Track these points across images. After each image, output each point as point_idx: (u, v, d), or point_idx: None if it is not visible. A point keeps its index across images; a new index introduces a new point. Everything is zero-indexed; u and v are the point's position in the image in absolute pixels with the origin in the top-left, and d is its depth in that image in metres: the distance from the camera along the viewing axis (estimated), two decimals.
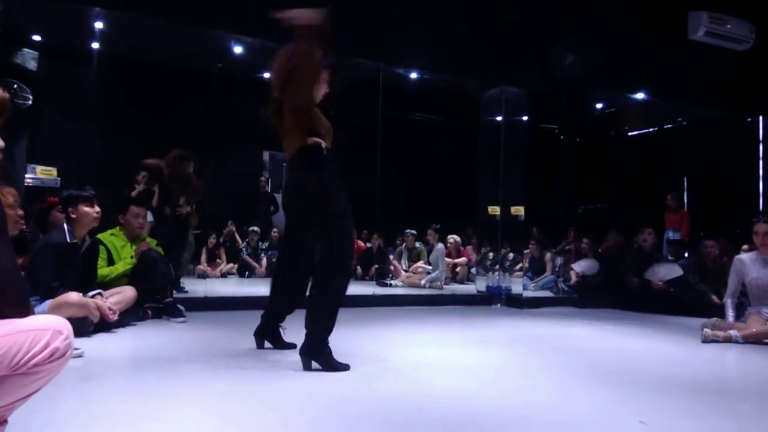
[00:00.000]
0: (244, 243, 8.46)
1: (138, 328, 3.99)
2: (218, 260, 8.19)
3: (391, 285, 7.62)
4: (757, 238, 4.29)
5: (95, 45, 8.13)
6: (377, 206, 8.94)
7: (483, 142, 7.38)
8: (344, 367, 2.83)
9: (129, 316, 4.01)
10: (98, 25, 7.27)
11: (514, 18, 6.63)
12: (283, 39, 6.48)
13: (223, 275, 8.17)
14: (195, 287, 6.05)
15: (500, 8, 6.65)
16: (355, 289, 7.01)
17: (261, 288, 6.76)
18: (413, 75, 8.43)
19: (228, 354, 3.23)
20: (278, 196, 10.05)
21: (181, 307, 4.42)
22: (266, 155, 11.20)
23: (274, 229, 8.98)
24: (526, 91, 7.20)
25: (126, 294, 4.00)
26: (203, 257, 8.10)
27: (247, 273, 8.24)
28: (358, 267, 8.62)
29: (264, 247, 8.70)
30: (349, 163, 10.47)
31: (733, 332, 4.07)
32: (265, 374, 2.76)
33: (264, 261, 8.46)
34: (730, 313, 4.30)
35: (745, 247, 5.76)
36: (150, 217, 6.12)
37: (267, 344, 3.37)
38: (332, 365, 2.81)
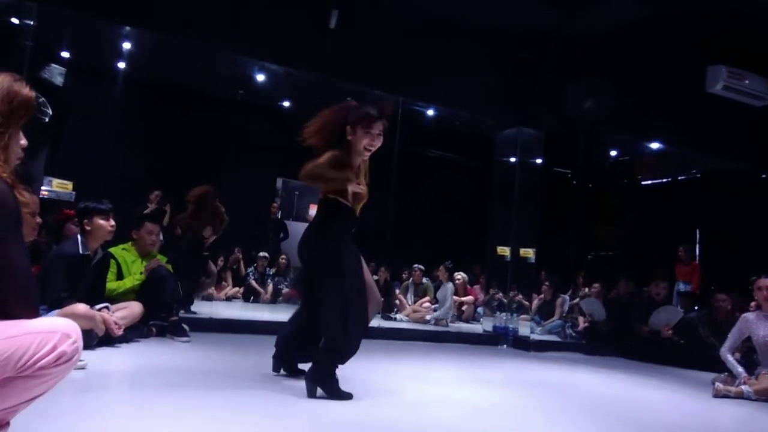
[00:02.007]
0: (252, 268, 8.45)
1: (141, 345, 3.96)
2: (224, 283, 8.17)
3: (396, 319, 7.54)
4: (761, 293, 4.24)
5: (121, 64, 8.33)
6: (387, 239, 8.93)
7: (496, 182, 7.40)
8: (347, 396, 2.79)
9: (134, 332, 3.99)
10: (126, 45, 7.47)
11: (533, 58, 6.73)
12: (307, 69, 6.62)
13: (228, 299, 8.14)
14: (200, 309, 6.02)
15: (519, 48, 6.76)
16: None
17: (265, 313, 6.74)
18: (430, 111, 8.54)
19: (229, 376, 3.20)
20: (289, 223, 10.09)
21: (186, 327, 4.39)
22: (279, 182, 11.30)
23: (283, 256, 8.97)
24: (542, 133, 7.25)
25: (133, 309, 3.99)
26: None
27: (252, 298, 8.20)
28: None
29: (271, 273, 8.69)
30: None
31: (745, 388, 3.97)
32: (264, 399, 2.72)
33: (270, 287, 8.43)
34: (740, 369, 4.20)
35: (753, 303, 5.67)
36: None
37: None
38: (336, 393, 2.78)
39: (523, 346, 6.30)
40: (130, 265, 4.37)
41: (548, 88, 6.99)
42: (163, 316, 4.35)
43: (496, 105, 6.94)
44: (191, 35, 5.84)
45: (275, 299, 8.43)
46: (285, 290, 8.65)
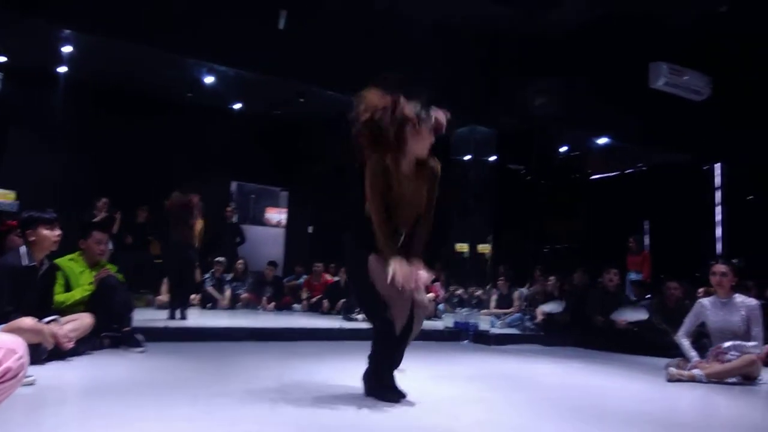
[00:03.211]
0: (208, 274, 8.25)
1: (94, 357, 3.80)
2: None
3: (357, 320, 7.51)
4: (714, 278, 4.41)
5: (63, 69, 8.01)
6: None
7: (452, 180, 7.46)
8: (394, 398, 2.82)
9: (85, 345, 3.82)
10: (66, 48, 7.18)
11: (486, 57, 6.83)
12: (257, 71, 6.50)
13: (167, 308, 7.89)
14: (155, 317, 5.85)
15: (473, 47, 6.84)
16: (320, 323, 6.93)
17: (223, 320, 6.59)
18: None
19: (187, 386, 3.11)
20: (245, 227, 9.93)
21: (140, 337, 4.25)
22: (234, 186, 11.11)
23: (240, 261, 8.81)
24: (495, 131, 7.36)
25: (83, 321, 3.83)
26: (164, 288, 7.86)
27: (209, 304, 8.01)
28: (325, 301, 8.50)
29: (229, 278, 8.52)
30: (319, 195, 10.55)
31: (696, 372, 4.12)
32: (225, 408, 2.65)
33: (228, 293, 8.26)
34: (693, 353, 4.36)
35: (701, 290, 5.90)
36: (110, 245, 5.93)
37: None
38: (381, 395, 2.85)
39: (484, 340, 6.38)
40: (79, 276, 4.19)
41: (501, 87, 7.10)
42: (116, 326, 4.19)
43: (450, 103, 7.00)
44: (135, 38, 5.67)
45: (233, 305, 8.27)
46: (243, 295, 8.49)
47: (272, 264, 8.96)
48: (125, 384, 3.07)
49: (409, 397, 3.03)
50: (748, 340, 4.21)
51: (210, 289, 8.13)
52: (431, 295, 8.38)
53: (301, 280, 9.49)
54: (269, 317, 7.60)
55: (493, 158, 7.47)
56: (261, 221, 11.65)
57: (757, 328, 4.22)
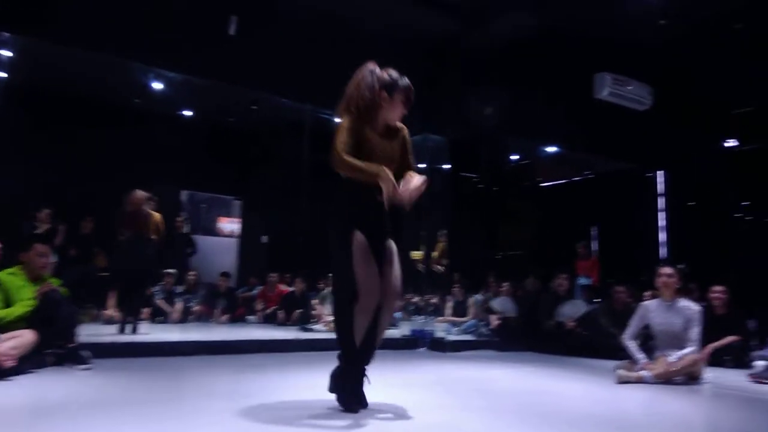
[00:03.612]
0: (158, 286, 8.01)
1: (37, 376, 3.62)
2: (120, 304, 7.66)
3: (313, 330, 7.43)
4: (661, 280, 4.58)
5: (1, 74, 7.64)
6: (301, 249, 8.80)
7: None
8: (351, 408, 2.80)
9: (27, 363, 3.64)
10: (6, 53, 6.86)
11: (435, 67, 6.92)
12: (207, 77, 6.38)
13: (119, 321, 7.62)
14: (102, 332, 5.63)
15: (423, 58, 6.92)
16: (276, 334, 6.81)
17: (174, 334, 6.39)
18: (338, 119, 8.53)
19: (136, 404, 2.99)
20: (196, 237, 9.70)
21: (86, 353, 4.07)
22: (184, 195, 10.85)
23: (191, 272, 8.60)
24: (448, 140, 7.46)
25: (24, 338, 3.65)
26: (111, 301, 7.57)
27: (159, 318, 7.77)
28: (281, 312, 8.38)
29: (180, 290, 8.29)
30: (273, 204, 10.42)
31: (644, 373, 4.27)
32: (176, 427, 2.57)
33: (179, 305, 8.03)
34: (640, 355, 4.51)
35: (647, 293, 6.13)
36: (54, 257, 5.69)
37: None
38: (341, 397, 2.85)
39: (440, 347, 6.42)
40: (19, 291, 3.99)
41: (452, 96, 7.21)
42: (60, 343, 4.01)
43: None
44: (78, 42, 5.48)
45: (185, 318, 8.04)
46: (195, 308, 8.28)
47: (225, 275, 8.78)
48: (71, 404, 2.93)
49: (369, 406, 3.02)
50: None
51: (160, 301, 7.88)
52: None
53: (256, 291, 9.33)
54: (223, 330, 7.43)
55: (446, 167, 7.57)
56: (213, 231, 11.42)
57: (695, 329, 4.40)
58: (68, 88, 8.31)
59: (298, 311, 8.13)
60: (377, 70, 2.95)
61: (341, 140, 2.81)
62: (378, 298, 2.80)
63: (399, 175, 2.82)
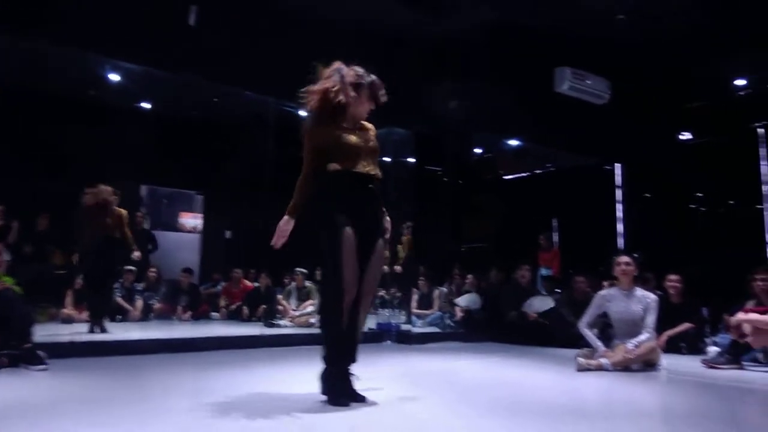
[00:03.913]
0: (118, 283, 7.80)
1: None
2: (86, 303, 7.45)
3: (279, 325, 7.38)
4: (619, 268, 4.71)
5: None
6: (266, 244, 8.71)
7: None
8: (342, 402, 2.82)
9: None
10: None
11: (399, 60, 6.92)
12: (167, 69, 6.23)
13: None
14: (59, 332, 5.46)
15: (388, 49, 6.91)
16: (240, 330, 6.74)
17: (134, 332, 6.25)
18: (303, 112, 8.45)
19: (96, 405, 2.92)
20: (157, 233, 9.49)
21: (42, 354, 3.95)
22: (144, 189, 10.60)
23: (152, 269, 8.42)
24: (413, 133, 7.48)
25: None
26: (69, 300, 7.36)
27: (119, 316, 7.58)
28: (245, 308, 8.29)
29: (140, 288, 8.10)
30: (237, 198, 10.27)
31: (603, 361, 4.38)
32: (137, 428, 2.52)
33: (139, 303, 7.85)
34: (599, 343, 4.63)
35: (605, 283, 6.29)
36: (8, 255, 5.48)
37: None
38: (332, 395, 2.86)
39: (406, 340, 6.46)
40: None
41: (417, 89, 7.22)
42: (14, 343, 3.87)
43: None
44: (30, 31, 5.27)
45: (146, 316, 7.87)
46: (156, 305, 8.11)
47: (187, 271, 8.63)
48: (27, 405, 2.84)
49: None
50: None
51: (120, 299, 7.69)
52: None
53: (219, 287, 9.20)
54: (185, 327, 7.31)
55: (411, 160, 7.60)
56: (175, 227, 11.19)
57: (651, 317, 4.54)
58: (20, 80, 7.97)
59: (262, 307, 8.06)
60: (343, 68, 3.03)
61: (308, 157, 3.02)
62: (354, 294, 2.86)
63: (369, 161, 2.99)
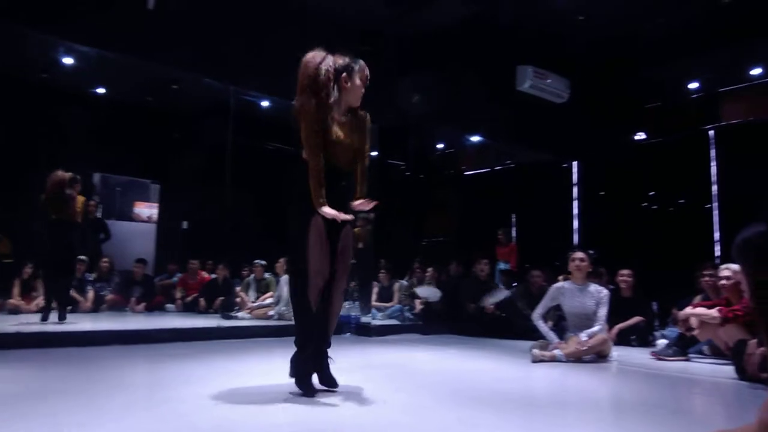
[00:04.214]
0: None
1: None
2: (34, 293, 7.20)
3: (237, 317, 7.28)
4: (573, 264, 4.83)
5: None
6: (224, 235, 8.58)
7: None
8: (308, 391, 2.88)
9: None
10: None
11: (367, 51, 6.90)
12: (123, 52, 6.02)
13: (41, 310, 7.18)
14: (6, 322, 5.25)
15: (352, 42, 6.87)
16: (197, 322, 6.62)
17: (86, 323, 6.06)
18: (265, 102, 8.35)
19: (41, 395, 2.82)
20: (110, 222, 9.22)
21: None
22: (97, 177, 10.27)
23: (104, 259, 8.18)
24: (376, 126, 7.45)
25: None
26: (16, 290, 7.09)
27: (69, 307, 7.33)
28: (202, 300, 8.14)
29: (91, 278, 7.86)
30: (194, 188, 10.07)
31: (557, 352, 4.50)
32: (85, 424, 2.44)
33: (90, 294, 7.62)
34: (552, 335, 4.75)
35: (561, 277, 6.45)
36: None
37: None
38: (299, 380, 2.92)
39: (365, 332, 6.47)
40: None
41: (381, 83, 7.20)
42: None
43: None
44: None
45: (97, 307, 7.65)
46: (109, 296, 7.89)
47: (141, 261, 8.41)
48: None
49: (288, 395, 3.00)
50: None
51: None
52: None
53: (175, 279, 9.01)
54: (139, 319, 7.13)
55: (374, 153, 7.57)
56: (129, 216, 10.89)
57: (603, 311, 4.68)
58: None
59: (220, 299, 7.94)
60: (329, 56, 3.00)
61: (313, 141, 2.89)
62: (326, 278, 2.91)
63: (353, 161, 3.04)
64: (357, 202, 2.96)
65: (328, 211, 2.85)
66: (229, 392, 2.98)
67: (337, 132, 2.97)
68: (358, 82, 3.05)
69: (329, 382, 3.04)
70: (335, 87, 2.99)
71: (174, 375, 3.54)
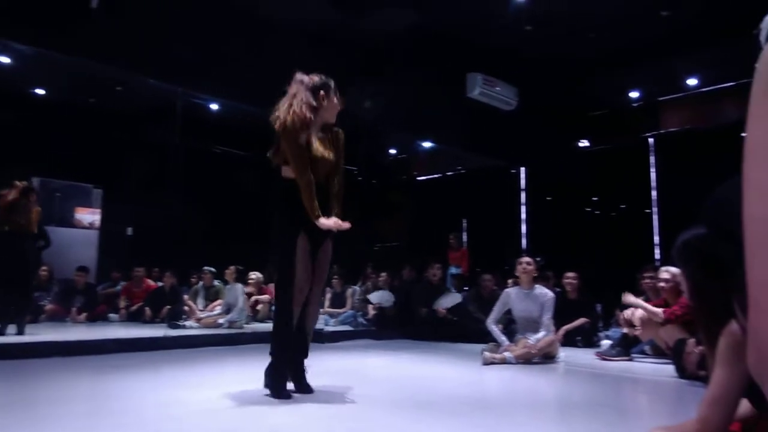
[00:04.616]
0: None
1: None
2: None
3: (184, 326, 7.08)
4: (521, 267, 4.95)
5: None
6: (171, 241, 8.35)
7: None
8: (285, 395, 2.97)
9: None
10: None
11: (315, 58, 6.87)
12: (64, 53, 5.78)
13: None
14: None
15: (302, 47, 6.83)
16: (142, 332, 6.40)
17: (23, 335, 5.75)
18: (214, 105, 8.19)
19: None
20: (50, 229, 8.80)
21: None
22: (36, 182, 9.79)
23: (44, 267, 7.80)
24: None
25: None
26: None
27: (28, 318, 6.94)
28: (147, 309, 7.88)
29: None
30: (139, 193, 9.76)
31: (507, 354, 4.58)
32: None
33: None
34: (503, 338, 4.84)
35: (510, 281, 6.59)
36: None
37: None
38: (274, 388, 3.00)
39: (318, 338, 6.40)
40: None
41: (333, 87, 7.18)
42: None
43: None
44: None
45: (36, 318, 7.28)
46: (48, 306, 7.53)
47: (83, 270, 8.08)
48: None
49: (238, 404, 2.93)
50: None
51: None
52: (265, 297, 8.25)
53: (119, 287, 8.69)
54: (81, 329, 6.84)
55: None
56: (70, 222, 10.43)
57: (548, 315, 4.81)
58: None
59: (167, 308, 7.71)
60: (305, 77, 3.14)
61: (302, 158, 2.98)
62: (306, 292, 3.05)
63: (330, 176, 3.15)
64: (331, 221, 3.02)
65: (325, 222, 2.99)
66: (177, 402, 2.89)
67: (318, 148, 3.09)
68: (335, 100, 3.19)
69: (305, 389, 3.15)
70: (316, 105, 3.11)
71: (118, 386, 3.40)
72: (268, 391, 3.03)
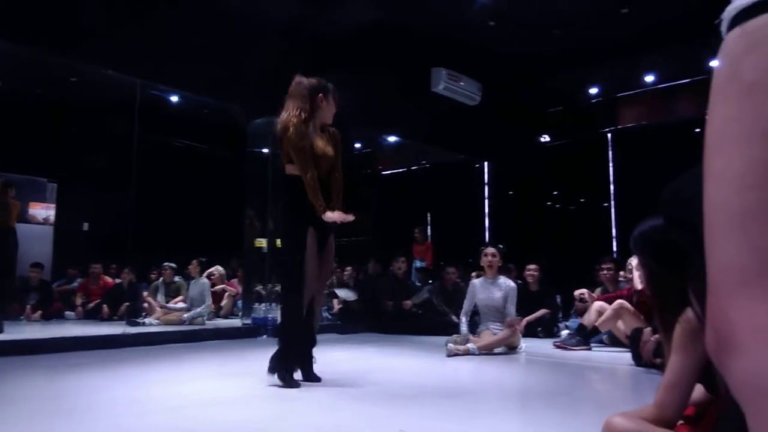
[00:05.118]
0: None
1: None
2: None
3: (144, 324, 6.92)
4: (486, 259, 5.01)
5: None
6: (129, 237, 8.13)
7: (249, 173, 7.29)
8: (294, 384, 3.12)
9: None
10: None
11: (280, 51, 6.79)
12: (11, 40, 5.56)
13: None
14: None
15: (272, 39, 6.74)
16: (100, 329, 6.23)
17: None
18: (175, 98, 8.01)
19: None
20: (21, 226, 8.47)
21: None
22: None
23: None
24: None
25: None
26: None
27: None
28: (105, 306, 7.68)
29: None
30: (96, 187, 9.48)
31: (470, 345, 4.64)
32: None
33: None
34: (465, 329, 4.90)
35: (474, 273, 6.67)
36: None
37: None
38: (284, 378, 3.12)
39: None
40: None
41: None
42: None
43: (246, 94, 6.79)
44: None
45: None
46: None
47: (37, 266, 7.81)
48: None
49: (201, 400, 2.90)
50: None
51: None
52: (231, 290, 8.12)
53: (76, 284, 8.44)
54: (35, 327, 6.62)
55: None
56: (24, 218, 10.05)
57: (512, 305, 4.90)
58: None
59: (125, 305, 7.52)
60: (304, 80, 3.33)
61: (306, 155, 3.15)
62: (316, 286, 3.23)
63: (330, 172, 3.34)
64: (335, 214, 3.15)
65: (330, 215, 3.13)
66: (136, 400, 2.83)
67: (319, 145, 3.26)
68: (332, 101, 3.38)
69: (313, 378, 3.29)
70: (315, 103, 3.30)
71: (75, 385, 3.31)
72: (276, 381, 3.13)
